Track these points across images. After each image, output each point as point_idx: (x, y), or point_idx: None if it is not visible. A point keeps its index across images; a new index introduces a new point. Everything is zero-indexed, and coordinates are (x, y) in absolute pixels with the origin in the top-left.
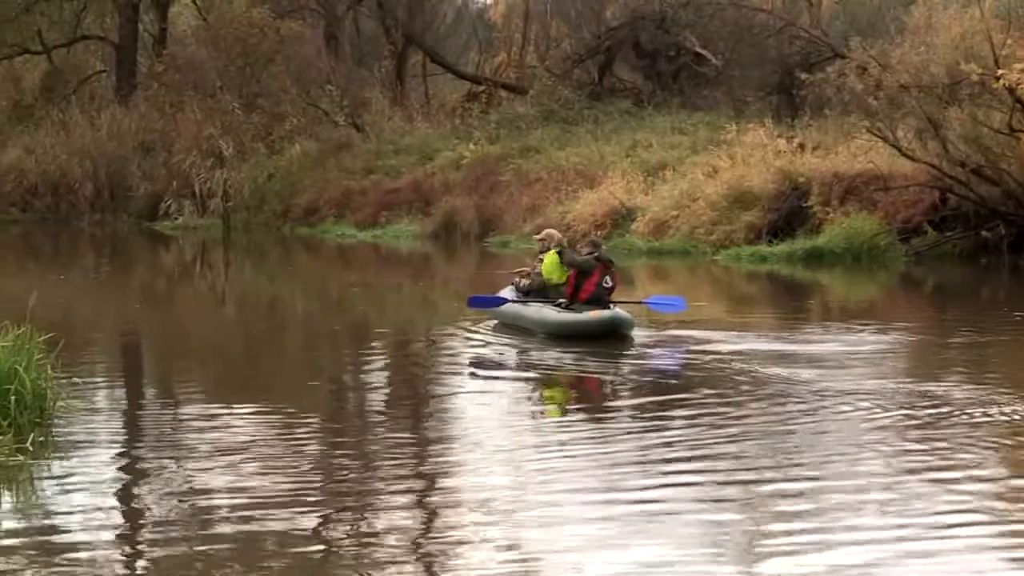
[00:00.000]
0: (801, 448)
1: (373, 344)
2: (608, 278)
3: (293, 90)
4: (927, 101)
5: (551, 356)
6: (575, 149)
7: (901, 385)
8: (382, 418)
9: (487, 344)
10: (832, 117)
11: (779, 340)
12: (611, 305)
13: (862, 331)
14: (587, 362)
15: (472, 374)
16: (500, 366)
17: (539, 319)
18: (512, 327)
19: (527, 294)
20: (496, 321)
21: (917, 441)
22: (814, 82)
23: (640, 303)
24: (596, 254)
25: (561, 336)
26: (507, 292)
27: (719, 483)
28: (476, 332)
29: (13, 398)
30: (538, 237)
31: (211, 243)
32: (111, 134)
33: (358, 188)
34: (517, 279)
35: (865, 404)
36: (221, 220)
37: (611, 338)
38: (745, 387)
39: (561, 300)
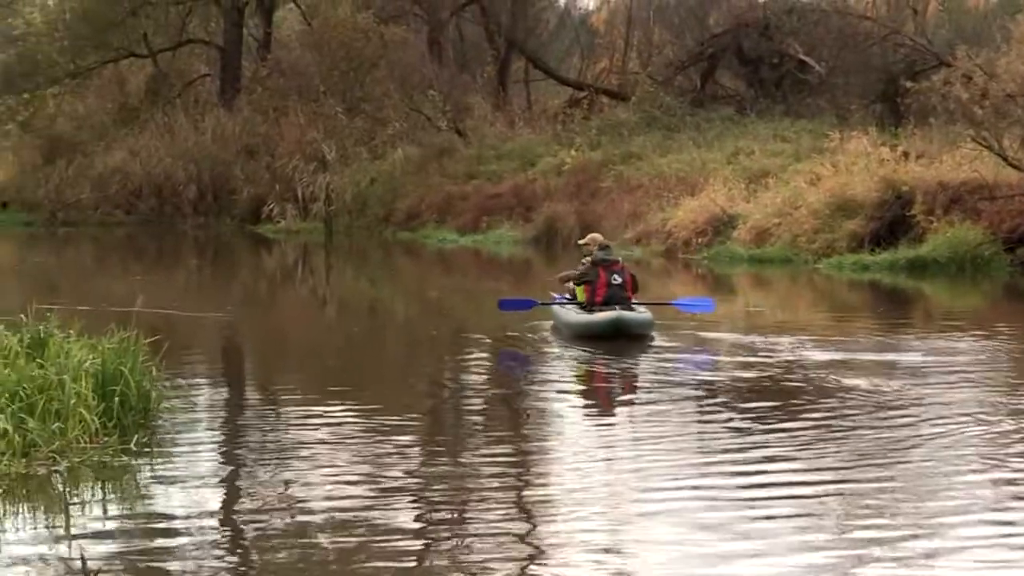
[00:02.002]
0: (900, 460)
1: (470, 348)
2: (616, 276)
3: (396, 95)
4: None
5: (641, 359)
6: (677, 156)
7: (1009, 399)
8: (478, 421)
9: (582, 349)
10: (937, 126)
11: (879, 349)
12: (633, 306)
13: (965, 341)
14: (682, 367)
15: (566, 377)
16: (592, 370)
17: (564, 321)
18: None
19: (573, 295)
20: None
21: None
22: (919, 90)
23: (668, 304)
24: (595, 257)
25: (578, 336)
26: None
27: (817, 494)
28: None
29: (118, 399)
30: (582, 242)
31: (313, 247)
32: (215, 138)
33: (459, 193)
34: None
35: (969, 417)
36: (323, 224)
37: (621, 337)
38: (844, 396)
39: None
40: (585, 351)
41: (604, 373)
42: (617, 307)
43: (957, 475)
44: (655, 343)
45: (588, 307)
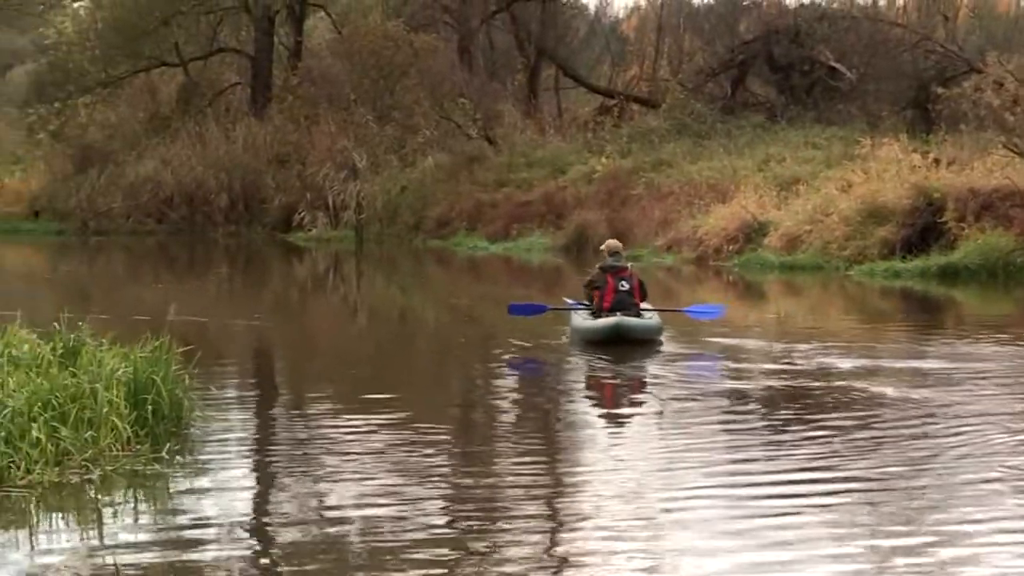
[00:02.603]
0: (929, 468)
1: (499, 355)
2: (624, 282)
3: (426, 103)
4: None
5: (670, 366)
6: (707, 163)
7: None
8: (507, 428)
9: (609, 355)
10: (968, 132)
11: (908, 356)
12: (642, 312)
13: (996, 347)
14: (692, 372)
15: (595, 385)
16: (621, 377)
17: (573, 326)
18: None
19: (590, 300)
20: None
21: None
22: (950, 97)
23: (678, 311)
24: (603, 264)
25: (584, 341)
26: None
27: (845, 502)
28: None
29: (150, 408)
30: (601, 248)
31: (343, 255)
32: (246, 146)
33: (490, 201)
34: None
35: (998, 425)
36: (354, 232)
37: (624, 343)
38: (873, 404)
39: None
40: (613, 359)
41: (633, 380)
42: (619, 313)
43: (986, 483)
44: (684, 351)
45: (597, 313)
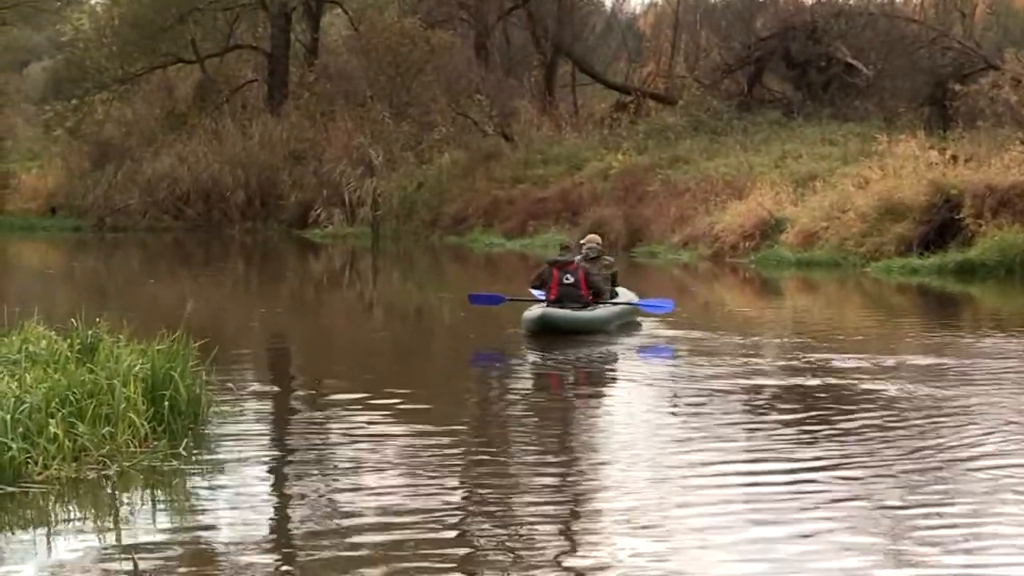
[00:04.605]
0: (945, 466)
1: (514, 351)
2: (568, 276)
3: (443, 100)
4: None
5: (683, 362)
6: (724, 159)
7: None
8: (524, 423)
9: (628, 353)
10: (985, 129)
11: (926, 352)
12: (591, 305)
13: (1014, 344)
14: (735, 373)
15: (610, 380)
16: (637, 372)
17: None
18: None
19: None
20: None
21: None
22: (967, 93)
23: (631, 305)
24: (549, 258)
25: (525, 331)
26: None
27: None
28: (613, 343)
29: (167, 404)
30: (582, 241)
31: (360, 251)
32: (262, 143)
33: (506, 197)
34: None
35: (1017, 424)
36: (370, 228)
37: (552, 333)
38: (889, 400)
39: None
40: (631, 353)
41: (649, 375)
42: (561, 305)
43: (1006, 479)
44: (698, 349)
45: (549, 305)
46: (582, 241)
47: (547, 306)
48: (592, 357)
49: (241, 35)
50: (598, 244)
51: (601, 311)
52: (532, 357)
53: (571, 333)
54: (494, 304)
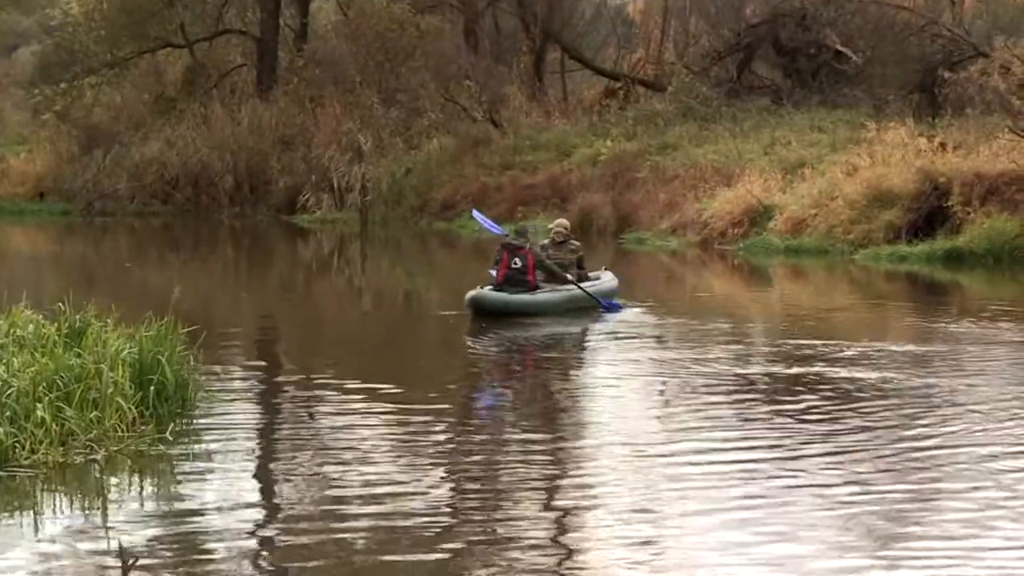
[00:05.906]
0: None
1: (502, 338)
2: (517, 260)
3: (431, 85)
4: None
5: (677, 352)
6: (713, 146)
7: None
8: (515, 415)
9: (622, 340)
10: (974, 116)
11: (914, 341)
12: (534, 289)
13: (1002, 333)
14: (731, 362)
15: (605, 368)
16: (634, 362)
17: None
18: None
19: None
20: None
21: None
22: (956, 81)
23: (571, 291)
24: (502, 240)
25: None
26: None
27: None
28: (615, 330)
29: (155, 388)
30: (550, 227)
31: (348, 237)
32: (251, 128)
33: (495, 184)
34: None
35: (1007, 413)
36: (358, 214)
37: (487, 315)
38: (885, 390)
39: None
40: (627, 340)
41: (644, 364)
42: (504, 289)
43: (1000, 473)
44: (685, 336)
45: (497, 287)
46: (550, 226)
47: (492, 289)
48: (580, 340)
49: (230, 20)
50: (566, 229)
51: (541, 295)
52: (520, 342)
53: (507, 316)
54: (494, 232)
